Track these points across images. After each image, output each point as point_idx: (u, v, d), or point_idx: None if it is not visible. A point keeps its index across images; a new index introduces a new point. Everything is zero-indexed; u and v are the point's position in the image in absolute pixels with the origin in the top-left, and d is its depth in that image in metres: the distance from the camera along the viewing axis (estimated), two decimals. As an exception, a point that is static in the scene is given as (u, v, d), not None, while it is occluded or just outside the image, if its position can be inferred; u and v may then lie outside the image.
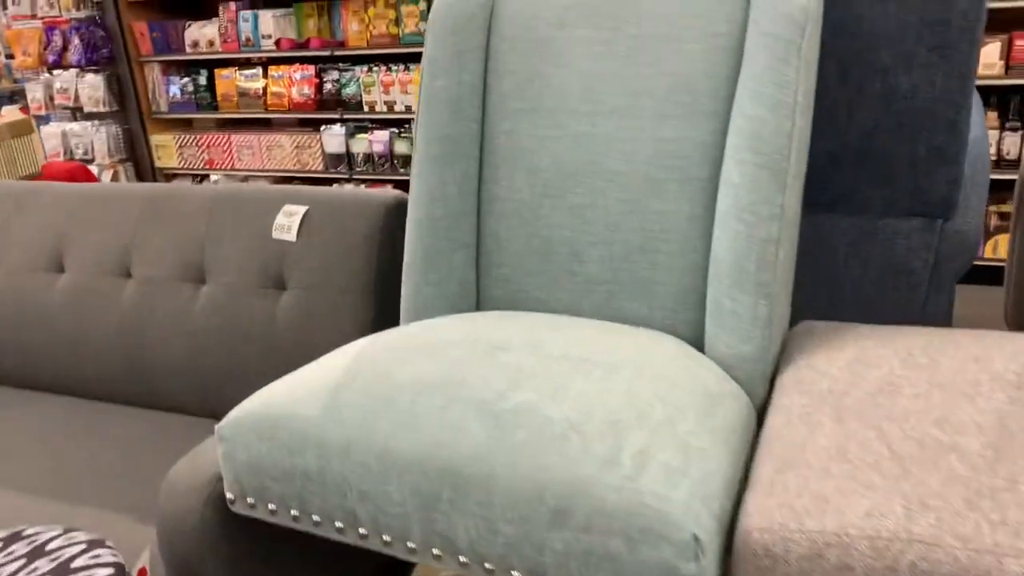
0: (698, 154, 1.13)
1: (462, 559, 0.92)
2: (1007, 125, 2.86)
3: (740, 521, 0.81)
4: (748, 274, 1.07)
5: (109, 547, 1.04)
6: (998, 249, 2.94)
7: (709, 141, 1.12)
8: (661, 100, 1.14)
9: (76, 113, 4.52)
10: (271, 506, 1.02)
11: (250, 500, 1.03)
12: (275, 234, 1.58)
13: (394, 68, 3.92)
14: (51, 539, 1.05)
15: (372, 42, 3.95)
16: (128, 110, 4.42)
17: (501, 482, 0.88)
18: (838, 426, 0.88)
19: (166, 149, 4.47)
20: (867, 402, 0.91)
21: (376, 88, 3.97)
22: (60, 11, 4.34)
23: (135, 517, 1.26)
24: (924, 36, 1.18)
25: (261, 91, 4.17)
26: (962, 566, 0.71)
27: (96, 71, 4.32)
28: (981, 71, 2.80)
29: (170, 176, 4.56)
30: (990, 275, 2.64)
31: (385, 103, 3.98)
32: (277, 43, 4.08)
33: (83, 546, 1.03)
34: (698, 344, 1.16)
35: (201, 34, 4.24)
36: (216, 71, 4.25)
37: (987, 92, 2.89)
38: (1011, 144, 2.86)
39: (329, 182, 4.21)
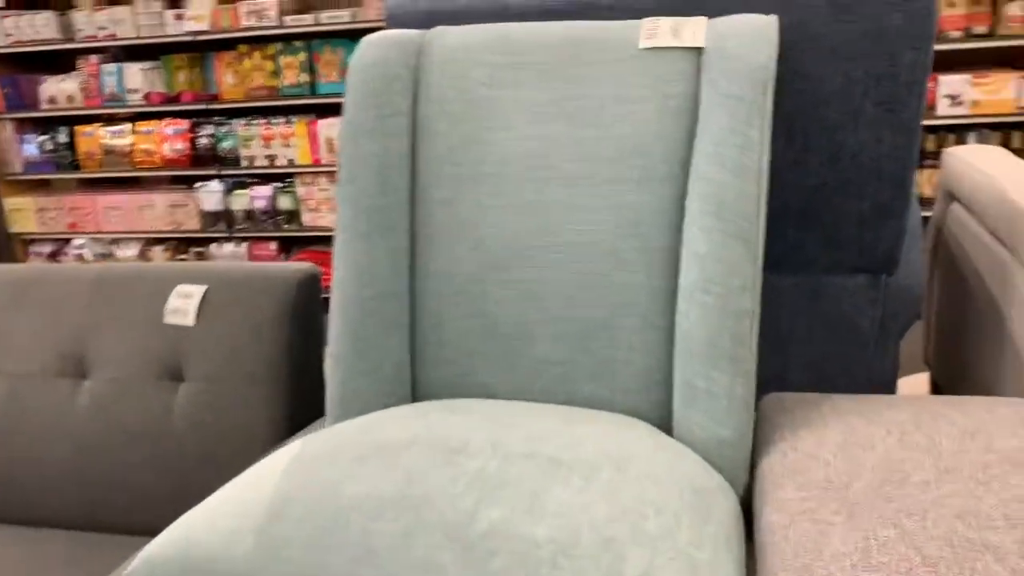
0: (657, 221, 1.04)
1: None
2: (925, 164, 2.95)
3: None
4: (722, 350, 0.99)
5: None
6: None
7: (668, 207, 1.04)
8: (615, 164, 1.05)
9: (-85, 176, 4.11)
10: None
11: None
12: (168, 319, 1.40)
13: (274, 121, 3.74)
14: None
15: (249, 94, 3.76)
16: (-24, 172, 4.04)
17: (483, 623, 0.75)
18: (852, 525, 0.80)
19: (22, 213, 4.09)
20: (876, 494, 0.83)
21: (256, 142, 3.77)
22: None
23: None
24: (871, 91, 1.15)
25: (129, 148, 3.89)
26: None
27: (-62, 130, 3.94)
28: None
29: (28, 242, 4.18)
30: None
31: (266, 157, 3.78)
32: (146, 97, 3.82)
33: None
34: (665, 427, 1.06)
35: (59, 89, 3.93)
36: (77, 128, 3.94)
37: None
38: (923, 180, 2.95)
39: (207, 242, 3.96)
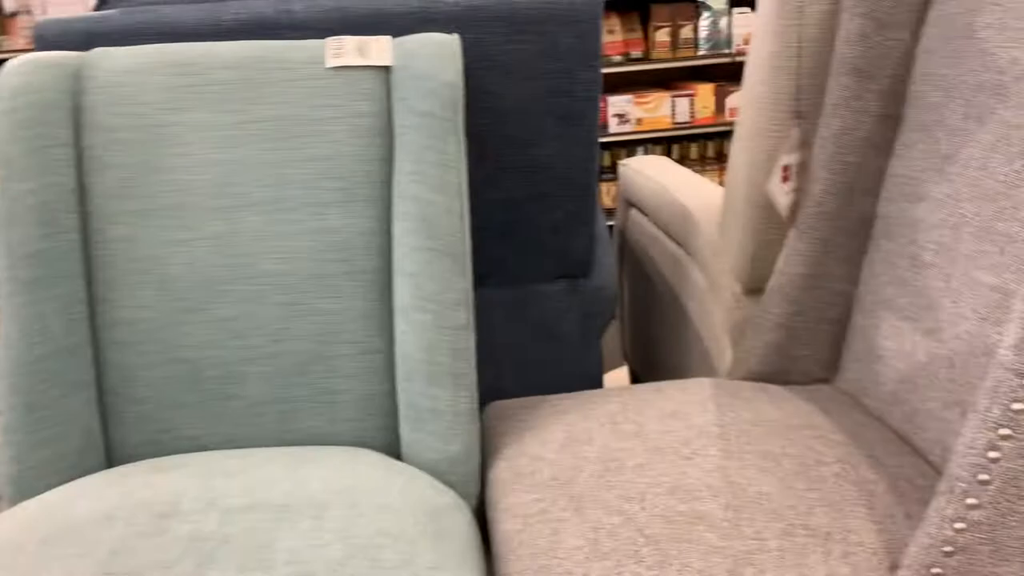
0: (364, 243, 1.01)
1: None
2: (604, 177, 3.19)
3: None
4: (443, 367, 0.98)
5: None
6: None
7: (374, 228, 1.02)
8: (312, 188, 1.01)
9: None
10: None
11: None
12: None
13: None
14: None
15: None
16: None
17: None
18: (581, 518, 0.82)
19: None
20: (598, 484, 0.87)
21: None
22: None
23: None
24: (552, 108, 1.21)
25: None
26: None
27: None
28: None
29: None
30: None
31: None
32: None
33: None
34: (394, 452, 1.03)
35: None
36: None
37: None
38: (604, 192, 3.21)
39: None
